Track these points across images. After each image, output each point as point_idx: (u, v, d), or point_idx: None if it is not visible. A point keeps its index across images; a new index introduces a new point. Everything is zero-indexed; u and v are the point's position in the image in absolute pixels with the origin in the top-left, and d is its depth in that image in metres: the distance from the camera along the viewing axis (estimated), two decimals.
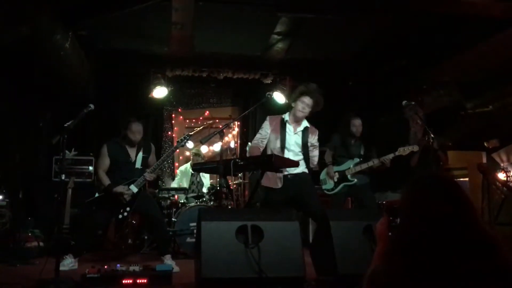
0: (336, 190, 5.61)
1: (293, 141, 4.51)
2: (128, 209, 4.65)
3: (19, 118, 6.66)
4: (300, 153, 4.50)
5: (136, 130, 4.84)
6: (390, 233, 1.55)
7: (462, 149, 8.41)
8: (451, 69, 6.72)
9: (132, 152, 4.87)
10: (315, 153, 4.70)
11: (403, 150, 5.33)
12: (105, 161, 4.79)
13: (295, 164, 4.11)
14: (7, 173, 6.34)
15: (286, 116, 4.59)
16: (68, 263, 4.43)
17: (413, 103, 5.23)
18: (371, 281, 1.30)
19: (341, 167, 5.61)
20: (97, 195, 4.80)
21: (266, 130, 4.57)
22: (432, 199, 1.31)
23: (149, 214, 4.90)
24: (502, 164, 8.23)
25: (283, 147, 4.45)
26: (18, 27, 4.85)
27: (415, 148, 5.35)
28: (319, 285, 3.31)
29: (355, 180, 5.50)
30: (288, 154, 4.43)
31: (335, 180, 5.61)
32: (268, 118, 4.68)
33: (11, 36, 5.01)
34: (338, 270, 3.32)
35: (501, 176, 7.87)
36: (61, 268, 3.90)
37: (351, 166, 5.54)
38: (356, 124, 5.66)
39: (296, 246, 3.30)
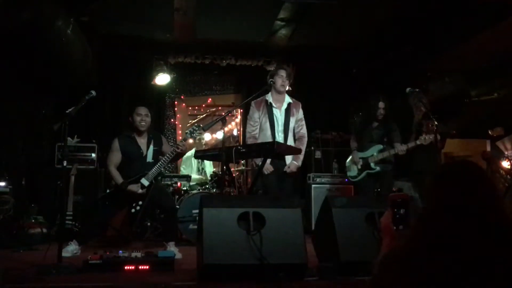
0: (359, 178, 5.63)
1: (281, 122, 4.60)
2: (140, 203, 4.61)
3: (22, 105, 6.65)
4: (290, 135, 4.60)
5: (144, 113, 4.80)
6: (395, 227, 1.53)
7: (466, 137, 8.38)
8: (456, 57, 6.66)
9: (143, 144, 4.83)
10: (303, 131, 4.85)
11: (424, 139, 5.30)
12: (117, 156, 4.74)
13: (298, 151, 4.10)
14: (10, 159, 6.35)
15: (269, 98, 4.67)
16: (72, 249, 4.44)
17: (417, 90, 5.20)
18: (385, 264, 1.29)
19: (365, 154, 5.61)
20: (108, 190, 4.77)
21: (256, 116, 4.64)
22: (461, 188, 1.30)
23: (162, 206, 4.90)
24: (506, 152, 8.19)
25: (273, 131, 4.55)
26: (19, 13, 4.82)
27: (432, 138, 5.31)
28: (321, 272, 3.31)
29: (378, 168, 5.50)
30: (278, 138, 4.52)
31: (359, 167, 5.61)
32: (252, 103, 4.75)
33: (12, 22, 4.97)
34: (340, 257, 3.31)
35: (505, 164, 7.84)
36: (65, 254, 3.92)
37: (375, 153, 5.52)
38: (381, 107, 5.65)
39: (298, 233, 3.29)
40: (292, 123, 4.79)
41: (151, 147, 4.84)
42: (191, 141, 7.49)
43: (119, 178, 4.65)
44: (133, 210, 4.65)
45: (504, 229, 1.24)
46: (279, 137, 4.62)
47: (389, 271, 1.27)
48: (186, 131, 4.92)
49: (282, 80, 4.75)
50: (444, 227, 1.24)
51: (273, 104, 4.70)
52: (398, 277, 1.23)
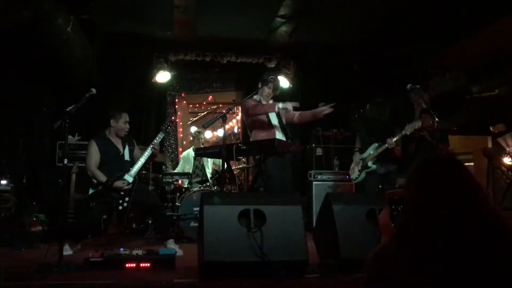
0: (359, 179, 5.64)
1: (275, 118, 4.71)
2: (127, 199, 4.66)
3: (23, 103, 6.65)
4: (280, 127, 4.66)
5: (128, 121, 4.92)
6: (393, 224, 1.53)
7: (467, 133, 8.36)
8: (457, 53, 6.64)
9: (118, 144, 4.92)
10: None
11: (408, 129, 5.28)
12: (96, 157, 4.78)
13: (298, 147, 4.10)
14: (11, 158, 6.36)
15: (257, 98, 4.78)
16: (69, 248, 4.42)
17: (418, 87, 5.18)
18: (375, 262, 1.29)
19: (364, 155, 5.61)
20: (91, 191, 4.81)
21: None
22: (440, 180, 1.29)
23: (147, 204, 4.92)
24: (507, 149, 8.17)
25: (269, 121, 4.60)
26: (19, 11, 4.82)
27: (418, 124, 5.28)
28: (321, 269, 3.31)
29: (374, 166, 5.48)
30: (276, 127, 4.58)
31: (359, 167, 5.61)
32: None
33: (13, 20, 4.97)
34: (341, 254, 3.31)
35: (507, 160, 7.82)
36: (65, 252, 3.92)
37: (371, 152, 5.52)
38: (370, 110, 5.73)
39: (298, 230, 3.29)
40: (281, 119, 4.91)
41: (127, 147, 4.94)
42: (190, 138, 7.52)
43: (102, 177, 4.69)
44: (120, 207, 4.68)
45: (487, 226, 1.23)
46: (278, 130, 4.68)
47: (379, 273, 1.27)
48: (161, 127, 5.01)
49: (269, 92, 4.92)
50: (420, 229, 1.24)
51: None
52: (389, 279, 1.23)
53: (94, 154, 4.78)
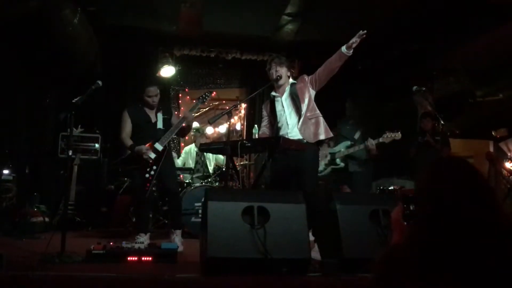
0: (324, 173, 5.62)
1: (286, 105, 4.34)
2: (154, 167, 4.58)
3: (26, 94, 6.64)
4: (305, 108, 4.30)
5: (154, 94, 4.84)
6: (405, 223, 1.52)
7: (469, 137, 8.36)
8: (462, 56, 6.63)
9: (151, 113, 4.87)
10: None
11: (386, 137, 5.22)
12: (128, 125, 4.78)
13: (303, 146, 4.07)
14: (14, 148, 6.35)
15: (273, 92, 4.52)
16: (142, 240, 4.34)
17: (423, 89, 5.19)
18: (385, 263, 1.28)
19: (334, 149, 5.63)
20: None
21: (264, 114, 4.56)
22: (452, 184, 1.28)
23: (166, 185, 4.87)
24: (509, 154, 8.17)
25: (276, 123, 4.39)
26: (26, 1, 4.81)
27: (398, 136, 5.19)
28: (324, 268, 3.31)
29: (342, 164, 5.48)
30: (290, 124, 4.30)
31: (326, 162, 5.61)
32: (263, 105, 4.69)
33: (19, 11, 4.96)
34: (343, 253, 3.32)
35: (509, 165, 7.83)
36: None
37: (342, 149, 5.54)
38: (348, 107, 5.82)
39: (302, 229, 3.29)
40: (303, 98, 4.35)
41: (160, 114, 4.89)
42: (191, 133, 7.47)
43: (128, 141, 4.71)
44: (147, 175, 4.62)
45: (501, 226, 1.22)
46: (292, 122, 4.33)
47: (390, 275, 1.26)
48: (198, 97, 5.03)
49: (272, 72, 4.40)
50: (437, 228, 1.23)
51: (275, 95, 4.51)
52: (399, 282, 1.22)
53: (125, 123, 4.80)
